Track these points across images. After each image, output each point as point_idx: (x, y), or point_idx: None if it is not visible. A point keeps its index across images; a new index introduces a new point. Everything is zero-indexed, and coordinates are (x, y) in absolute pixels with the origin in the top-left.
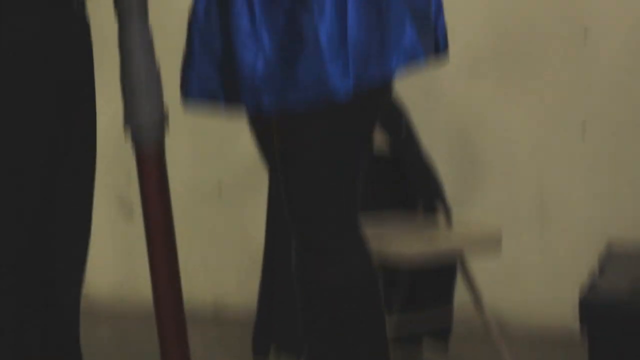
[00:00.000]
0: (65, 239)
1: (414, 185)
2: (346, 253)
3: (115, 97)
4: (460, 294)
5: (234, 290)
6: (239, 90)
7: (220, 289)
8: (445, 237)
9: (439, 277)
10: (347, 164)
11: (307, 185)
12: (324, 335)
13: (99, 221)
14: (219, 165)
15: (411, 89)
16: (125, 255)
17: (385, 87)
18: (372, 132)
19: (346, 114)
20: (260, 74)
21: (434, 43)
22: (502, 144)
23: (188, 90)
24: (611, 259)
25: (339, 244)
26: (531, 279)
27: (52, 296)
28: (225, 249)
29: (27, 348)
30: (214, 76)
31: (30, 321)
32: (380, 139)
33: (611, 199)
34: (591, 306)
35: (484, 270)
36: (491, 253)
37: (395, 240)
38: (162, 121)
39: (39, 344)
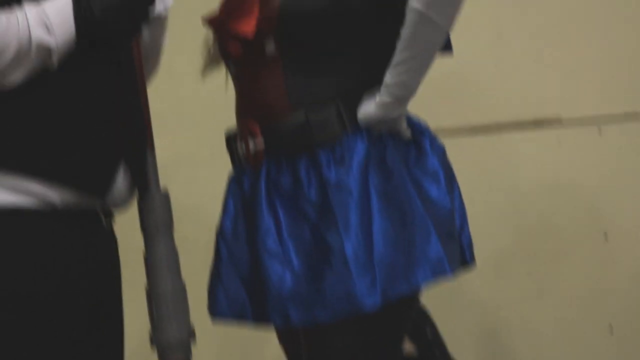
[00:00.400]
0: None
1: None
2: None
3: (142, 313)
4: None
5: None
6: (267, 307)
7: None
8: None
9: None
10: None
11: None
12: None
13: None
14: None
15: (434, 289)
16: None
17: (412, 297)
18: (401, 339)
19: (374, 323)
20: (288, 288)
21: (460, 254)
22: (530, 343)
23: (216, 310)
24: None
25: None
26: None
27: None
28: None
29: None
30: (241, 293)
31: None
32: (405, 343)
33: None
34: None
35: None
36: None
37: None
38: (188, 339)
39: None
